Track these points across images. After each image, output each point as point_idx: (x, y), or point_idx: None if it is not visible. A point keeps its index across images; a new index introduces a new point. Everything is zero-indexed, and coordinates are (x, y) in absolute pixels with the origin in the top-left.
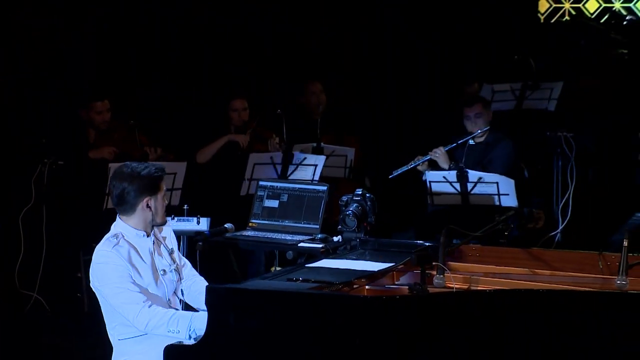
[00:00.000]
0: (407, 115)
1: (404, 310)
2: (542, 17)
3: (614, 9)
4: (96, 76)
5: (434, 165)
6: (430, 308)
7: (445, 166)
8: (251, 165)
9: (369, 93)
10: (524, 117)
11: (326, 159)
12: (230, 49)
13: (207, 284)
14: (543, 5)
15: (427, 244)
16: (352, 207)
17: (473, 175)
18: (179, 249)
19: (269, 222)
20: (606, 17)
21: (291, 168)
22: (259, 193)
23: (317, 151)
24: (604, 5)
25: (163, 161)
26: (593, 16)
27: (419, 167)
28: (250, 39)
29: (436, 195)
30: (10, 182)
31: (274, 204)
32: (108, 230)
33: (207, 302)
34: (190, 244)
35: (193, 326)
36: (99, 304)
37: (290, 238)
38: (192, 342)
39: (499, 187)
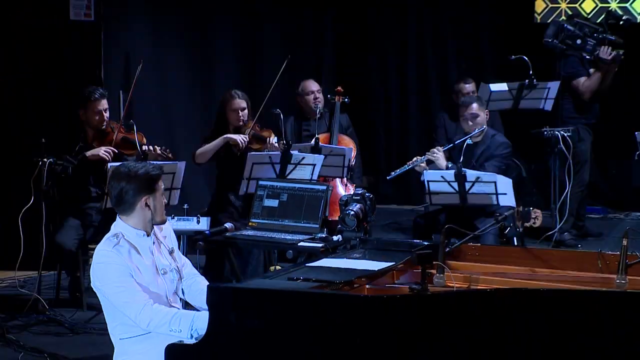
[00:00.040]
0: (406, 115)
1: (404, 310)
2: (538, 17)
3: (610, 9)
4: (96, 76)
5: (431, 166)
6: (430, 307)
7: (443, 166)
8: (250, 165)
9: (369, 93)
10: (521, 116)
11: (324, 158)
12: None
13: (207, 283)
14: (539, 5)
15: (424, 243)
16: (352, 206)
17: (471, 174)
18: (179, 248)
19: (269, 222)
20: (602, 16)
21: (289, 167)
22: (258, 192)
23: (315, 151)
24: (600, 5)
25: (162, 161)
26: (589, 16)
27: (417, 168)
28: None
29: (434, 195)
30: (10, 182)
31: (274, 203)
32: (107, 229)
33: (208, 302)
34: (190, 244)
35: (195, 326)
36: (99, 304)
37: (290, 237)
38: (193, 341)
39: (496, 187)
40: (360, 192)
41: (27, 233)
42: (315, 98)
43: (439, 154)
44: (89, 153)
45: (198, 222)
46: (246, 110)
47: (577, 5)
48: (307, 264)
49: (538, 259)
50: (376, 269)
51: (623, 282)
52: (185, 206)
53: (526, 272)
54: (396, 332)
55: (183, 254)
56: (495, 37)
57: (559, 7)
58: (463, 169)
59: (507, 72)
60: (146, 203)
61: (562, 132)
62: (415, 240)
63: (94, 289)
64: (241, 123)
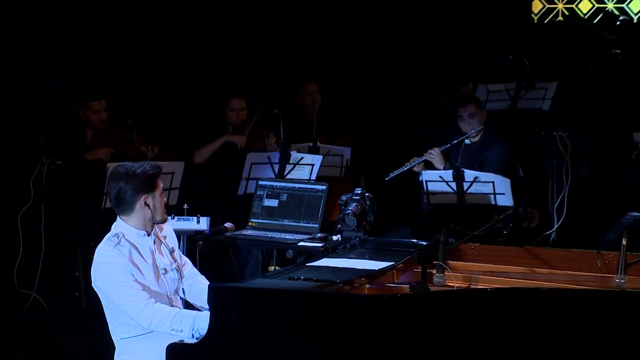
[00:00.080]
0: (405, 116)
1: (405, 309)
2: (535, 18)
3: (606, 9)
4: (96, 76)
5: (429, 166)
6: (431, 307)
7: (440, 167)
8: (248, 165)
9: (369, 93)
10: (519, 116)
11: (322, 158)
12: (230, 48)
13: (208, 282)
14: (536, 6)
15: (423, 243)
16: (352, 206)
17: (469, 174)
18: (179, 248)
19: (269, 222)
20: (599, 17)
21: (288, 167)
22: (258, 192)
23: (313, 151)
24: (596, 5)
25: (160, 160)
26: (586, 16)
27: (415, 169)
28: (250, 39)
29: (432, 195)
30: (10, 182)
31: (274, 203)
32: (106, 229)
33: (209, 301)
34: (190, 243)
35: (196, 326)
36: (98, 303)
37: (290, 237)
38: (194, 341)
39: (494, 187)
40: (359, 191)
41: (26, 232)
42: (313, 99)
43: (435, 155)
44: (87, 154)
45: (198, 222)
46: (245, 110)
47: (573, 5)
48: (307, 264)
49: (537, 258)
50: (376, 269)
51: (622, 281)
52: (185, 206)
53: (526, 271)
54: (397, 332)
55: (183, 254)
56: (492, 38)
57: (556, 7)
58: (461, 168)
59: (504, 72)
60: (145, 202)
61: (559, 133)
62: (414, 240)
63: (95, 289)
64: (240, 122)
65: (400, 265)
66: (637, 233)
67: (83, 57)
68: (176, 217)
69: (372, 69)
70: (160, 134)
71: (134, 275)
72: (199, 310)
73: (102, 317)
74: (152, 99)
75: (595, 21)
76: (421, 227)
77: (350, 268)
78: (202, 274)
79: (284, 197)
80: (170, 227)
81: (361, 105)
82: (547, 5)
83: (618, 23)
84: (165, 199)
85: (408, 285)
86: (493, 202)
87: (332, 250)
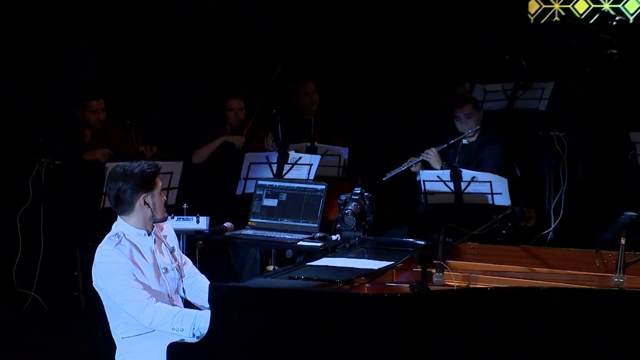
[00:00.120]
0: (405, 116)
1: (405, 308)
2: (532, 18)
3: (603, 9)
4: (96, 76)
5: (426, 166)
6: (431, 306)
7: (438, 167)
8: (247, 165)
9: (369, 93)
10: (516, 116)
11: (320, 158)
12: (230, 49)
13: (208, 281)
14: (533, 6)
15: (422, 242)
16: (351, 205)
17: (467, 174)
18: (179, 247)
19: (268, 221)
20: (596, 17)
21: (286, 167)
22: (257, 192)
23: (311, 150)
24: (593, 6)
25: (158, 160)
26: (582, 17)
27: (412, 169)
28: (250, 39)
29: (430, 195)
30: (9, 182)
31: (273, 203)
32: (105, 229)
33: (210, 301)
34: (190, 243)
35: (197, 325)
36: (96, 303)
37: (289, 237)
38: (195, 340)
39: (492, 186)
40: (358, 191)
41: (25, 232)
42: (311, 99)
43: (433, 155)
44: (85, 155)
45: (197, 221)
46: (243, 110)
47: (570, 6)
48: (307, 263)
49: (536, 258)
50: (376, 268)
51: (621, 280)
52: (185, 206)
53: (525, 271)
54: (397, 331)
55: (183, 253)
56: (489, 38)
57: (552, 7)
58: (459, 168)
59: (501, 72)
60: (145, 201)
61: (557, 133)
62: (414, 240)
63: (96, 288)
64: (238, 122)
65: (400, 264)
66: (635, 232)
67: (83, 57)
68: (176, 217)
69: (372, 69)
70: (159, 133)
71: (134, 275)
72: (199, 309)
73: (101, 317)
74: (152, 99)
75: (591, 21)
76: (419, 227)
77: (350, 267)
78: (201, 273)
79: (284, 197)
80: (170, 226)
81: (361, 105)
82: (544, 6)
83: (614, 23)
84: (164, 198)
85: (408, 285)
86: (490, 202)
87: (331, 250)
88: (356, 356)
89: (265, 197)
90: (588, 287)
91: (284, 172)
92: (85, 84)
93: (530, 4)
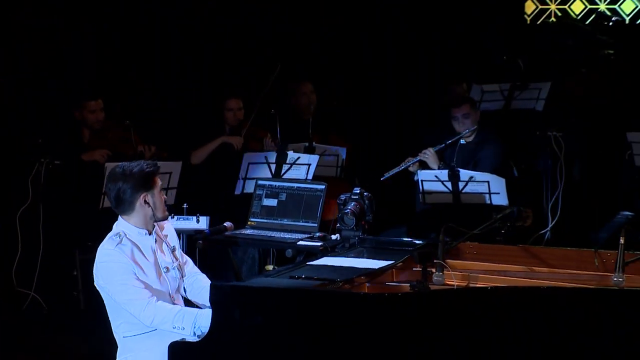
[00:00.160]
0: (405, 116)
1: (406, 307)
2: (528, 19)
3: (599, 10)
4: (96, 76)
5: (424, 166)
6: (431, 305)
7: (435, 166)
8: (245, 165)
9: (368, 93)
10: (513, 117)
11: (319, 158)
12: (230, 49)
13: (209, 280)
14: (529, 7)
15: (422, 242)
16: (351, 205)
17: (464, 174)
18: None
19: (268, 221)
20: (592, 18)
21: (285, 167)
22: (257, 192)
23: (309, 151)
24: (589, 6)
25: (157, 160)
26: (578, 17)
27: (410, 168)
28: (250, 39)
29: (428, 194)
30: (9, 182)
31: (273, 202)
32: (104, 229)
33: (211, 300)
34: (190, 243)
35: (198, 323)
36: (96, 302)
37: (289, 236)
38: (196, 339)
39: (489, 186)
40: (358, 191)
41: (25, 232)
42: (308, 99)
43: (430, 155)
44: (84, 156)
45: (197, 221)
46: (242, 110)
47: (566, 6)
48: (308, 263)
49: (535, 257)
50: (376, 268)
51: (620, 280)
52: (185, 205)
53: (524, 270)
54: (397, 330)
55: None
56: (486, 38)
57: (549, 8)
58: (457, 168)
59: (498, 72)
60: (145, 200)
61: (554, 133)
62: (413, 240)
63: (98, 288)
64: (237, 122)
65: (400, 264)
66: (635, 232)
67: (83, 57)
68: (176, 217)
69: (372, 69)
70: (159, 133)
71: (136, 274)
72: (200, 308)
73: (101, 316)
74: (152, 99)
75: (587, 22)
76: (416, 227)
77: (350, 267)
78: (202, 272)
79: (283, 197)
80: (171, 226)
81: (361, 105)
82: (540, 6)
83: (610, 24)
84: (165, 197)
85: (408, 284)
86: (488, 202)
87: (331, 250)
88: (357, 355)
89: (265, 197)
90: (587, 286)
91: (283, 172)
92: (85, 84)
93: (526, 4)
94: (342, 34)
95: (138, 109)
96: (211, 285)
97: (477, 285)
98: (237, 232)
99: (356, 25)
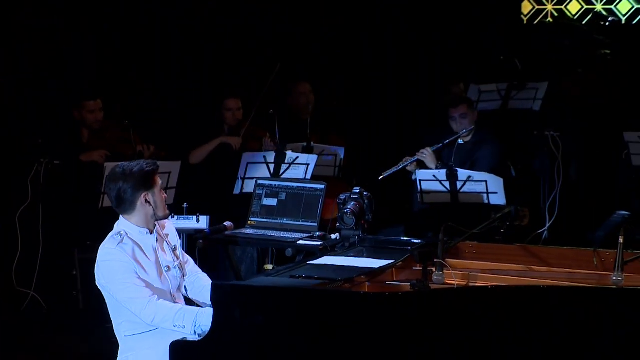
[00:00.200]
0: (405, 116)
1: (406, 307)
2: (525, 19)
3: (595, 10)
4: (96, 76)
5: (421, 166)
6: (432, 304)
7: (433, 166)
8: (244, 164)
9: (368, 93)
10: (510, 117)
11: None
12: (230, 49)
13: (209, 280)
14: (526, 7)
15: (421, 241)
16: (350, 205)
17: (462, 174)
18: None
19: (268, 220)
20: (588, 18)
21: (283, 167)
22: (257, 191)
23: (307, 150)
24: (585, 7)
25: (156, 159)
26: (575, 17)
27: (408, 168)
28: (250, 39)
29: (426, 194)
30: (9, 182)
31: (273, 202)
32: (104, 229)
33: (212, 299)
34: (190, 242)
35: (198, 322)
36: (96, 302)
37: (289, 236)
38: (196, 337)
39: (487, 186)
40: (358, 190)
41: (24, 232)
42: (307, 99)
43: (428, 154)
44: (82, 156)
45: (198, 220)
46: (240, 110)
47: (562, 7)
48: (308, 262)
49: (534, 256)
50: (376, 267)
51: (619, 279)
52: (185, 205)
53: (523, 269)
54: (398, 329)
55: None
56: (483, 39)
57: (545, 8)
58: (455, 168)
59: (496, 73)
60: (146, 199)
61: (551, 133)
62: (412, 239)
63: (99, 287)
64: (236, 122)
65: (400, 263)
66: (632, 231)
67: (83, 57)
68: (176, 216)
69: (372, 69)
70: (158, 133)
71: (137, 273)
72: (201, 307)
73: (100, 316)
74: (152, 99)
75: (584, 22)
76: (414, 226)
77: (350, 266)
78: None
79: (283, 196)
80: (172, 225)
81: (361, 105)
82: (537, 7)
83: (607, 24)
84: (165, 195)
85: (408, 284)
86: (486, 201)
87: (330, 249)
88: (357, 354)
89: (265, 197)
90: (587, 285)
91: (281, 171)
92: (85, 84)
93: (523, 4)
94: (342, 34)
95: (138, 109)
96: (212, 284)
97: (477, 285)
98: (237, 231)
99: (356, 25)
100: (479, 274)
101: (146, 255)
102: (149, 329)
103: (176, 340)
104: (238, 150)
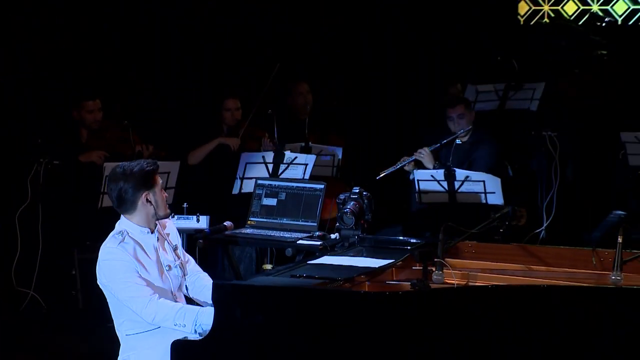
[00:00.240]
0: (405, 116)
1: (407, 306)
2: (521, 19)
3: (592, 11)
4: (96, 76)
5: (419, 166)
6: (432, 303)
7: (430, 166)
8: (243, 164)
9: (369, 93)
10: (507, 117)
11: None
12: (230, 49)
13: (210, 279)
14: (523, 8)
15: (420, 241)
16: (350, 204)
17: (460, 173)
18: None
19: (268, 220)
20: (585, 18)
21: (282, 167)
22: (257, 191)
23: (305, 150)
24: (582, 7)
25: (156, 159)
26: (571, 18)
27: (406, 168)
28: (250, 39)
29: (424, 194)
30: (9, 182)
31: (272, 202)
32: (103, 229)
33: (213, 299)
34: (190, 242)
35: (199, 321)
36: (95, 301)
37: (289, 235)
38: (197, 336)
39: (485, 186)
40: (357, 190)
41: (24, 232)
42: (305, 99)
43: (425, 154)
44: (81, 157)
45: (198, 220)
46: (239, 110)
47: (559, 7)
48: (308, 262)
49: (533, 256)
50: (376, 267)
51: (618, 278)
52: (185, 205)
53: (523, 269)
54: (398, 328)
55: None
56: (480, 39)
57: (542, 9)
58: (453, 168)
59: (493, 73)
60: (147, 199)
61: (549, 133)
62: (412, 239)
63: (100, 286)
64: (235, 122)
65: (400, 263)
66: (630, 230)
67: (83, 57)
68: (176, 216)
69: (372, 69)
70: (157, 133)
71: (138, 272)
72: (201, 306)
73: (99, 315)
74: (152, 99)
75: (580, 23)
76: (412, 226)
77: (350, 266)
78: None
79: (283, 196)
80: (173, 225)
81: (361, 105)
82: (533, 7)
83: (603, 25)
84: (166, 194)
85: (408, 283)
86: (484, 201)
87: (330, 249)
88: (358, 353)
89: (265, 197)
90: (586, 284)
91: (280, 171)
92: (84, 84)
93: (520, 5)
94: (342, 34)
95: (137, 109)
96: (213, 283)
97: (477, 284)
98: (237, 231)
99: (356, 25)
100: (479, 274)
101: (147, 255)
102: (150, 328)
103: (177, 340)
104: (236, 151)
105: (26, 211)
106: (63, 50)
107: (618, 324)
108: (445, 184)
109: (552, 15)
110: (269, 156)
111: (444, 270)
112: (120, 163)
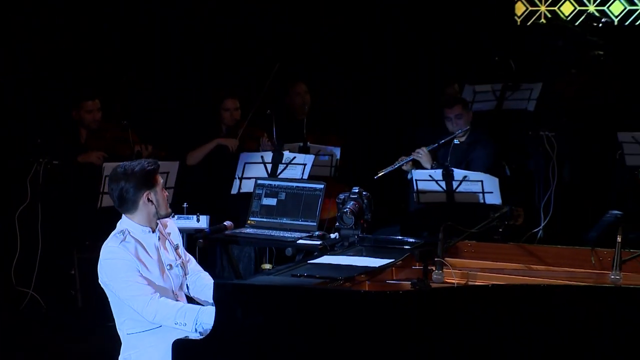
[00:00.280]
0: (405, 116)
1: (407, 305)
2: (518, 20)
3: (588, 11)
4: (96, 76)
5: (417, 165)
6: (433, 303)
7: (428, 166)
8: (242, 164)
9: (369, 93)
10: (505, 117)
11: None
12: (230, 49)
13: (211, 278)
14: (519, 8)
15: (420, 240)
16: (350, 204)
17: (458, 173)
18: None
19: (268, 220)
20: (581, 19)
21: (280, 167)
22: (257, 191)
23: (304, 150)
24: (578, 8)
25: (156, 159)
26: (568, 19)
27: (404, 167)
28: (250, 39)
29: (422, 194)
30: (8, 182)
31: (272, 202)
32: (103, 228)
33: (214, 298)
34: (190, 242)
35: (200, 320)
36: (94, 301)
37: (289, 235)
38: (197, 335)
39: (483, 185)
40: (357, 190)
41: (23, 232)
42: (302, 99)
43: (423, 154)
44: (80, 158)
45: (198, 220)
46: (238, 110)
47: (556, 8)
48: (309, 261)
49: (533, 255)
50: (377, 266)
51: (618, 277)
52: (185, 205)
53: (522, 268)
54: (398, 327)
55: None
56: (477, 40)
57: (539, 9)
58: (451, 168)
59: (490, 73)
60: (148, 198)
61: (546, 133)
62: (411, 238)
63: (102, 285)
64: (234, 122)
65: (400, 262)
66: (628, 230)
67: (83, 57)
68: (177, 216)
69: (372, 69)
70: (157, 133)
71: (139, 271)
72: (202, 305)
73: (99, 315)
74: (152, 99)
75: (577, 23)
76: (410, 226)
77: (350, 265)
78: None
79: (282, 196)
80: (174, 224)
81: (361, 106)
82: (530, 8)
83: (600, 25)
84: (166, 194)
85: (408, 282)
86: (482, 201)
87: (330, 248)
88: (358, 352)
89: (265, 196)
90: (586, 284)
91: (278, 171)
92: (84, 84)
93: (516, 6)
94: (342, 34)
95: (137, 109)
96: (214, 283)
97: (477, 283)
98: (237, 231)
99: (356, 25)
100: (479, 273)
101: (148, 254)
102: (151, 327)
103: (179, 339)
104: (235, 152)
105: (26, 211)
106: (63, 50)
107: (618, 323)
108: (443, 183)
109: (549, 15)
110: (268, 156)
111: (444, 270)
112: (121, 163)
